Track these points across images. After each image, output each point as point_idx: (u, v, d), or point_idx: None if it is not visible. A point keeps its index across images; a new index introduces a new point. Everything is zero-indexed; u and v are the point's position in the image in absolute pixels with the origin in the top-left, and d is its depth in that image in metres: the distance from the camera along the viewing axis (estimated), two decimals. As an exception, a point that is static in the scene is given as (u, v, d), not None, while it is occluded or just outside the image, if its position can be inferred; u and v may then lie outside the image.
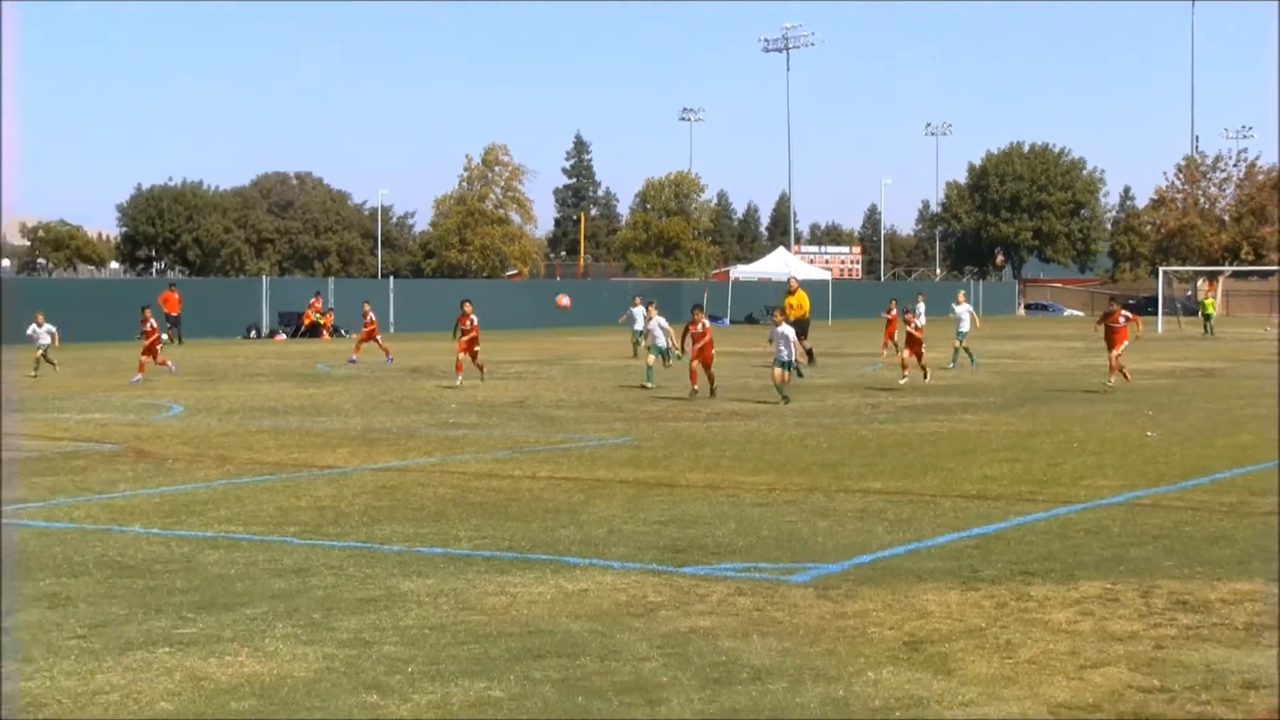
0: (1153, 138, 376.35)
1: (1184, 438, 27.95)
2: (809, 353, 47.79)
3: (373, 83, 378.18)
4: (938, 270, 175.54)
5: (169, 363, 39.57)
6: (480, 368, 41.35)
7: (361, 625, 13.04)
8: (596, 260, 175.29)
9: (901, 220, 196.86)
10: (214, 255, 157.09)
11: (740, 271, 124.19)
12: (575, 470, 23.55)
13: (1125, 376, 38.68)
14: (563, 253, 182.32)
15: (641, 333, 55.46)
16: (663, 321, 40.71)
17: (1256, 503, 19.46)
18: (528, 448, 26.70)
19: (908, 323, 40.58)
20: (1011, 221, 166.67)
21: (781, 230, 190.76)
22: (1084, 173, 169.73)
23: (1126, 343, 38.72)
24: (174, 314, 73.83)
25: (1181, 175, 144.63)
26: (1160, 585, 14.41)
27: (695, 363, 35.00)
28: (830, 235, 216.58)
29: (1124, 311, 39.17)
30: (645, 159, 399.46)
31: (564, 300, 34.20)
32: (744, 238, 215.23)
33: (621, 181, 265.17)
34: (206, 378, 37.34)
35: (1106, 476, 22.14)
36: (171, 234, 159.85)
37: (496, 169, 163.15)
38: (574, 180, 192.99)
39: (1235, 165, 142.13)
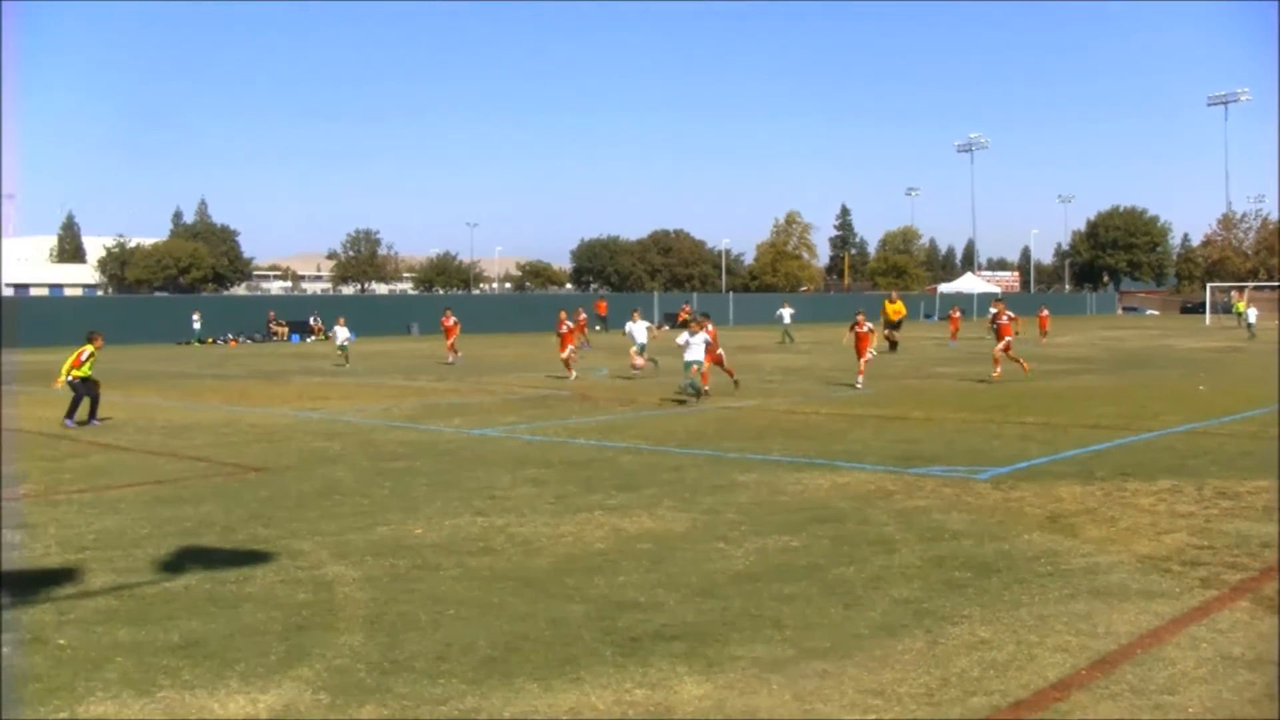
0: (1201, 200, 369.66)
1: (1222, 390, 27.03)
2: (894, 344, 46.45)
3: (725, 168, 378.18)
4: (1066, 286, 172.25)
5: (581, 350, 37.47)
6: (725, 369, 40.39)
7: (714, 501, 13.26)
8: (855, 281, 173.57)
9: (1044, 254, 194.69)
10: (625, 278, 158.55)
11: (943, 287, 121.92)
12: (841, 409, 23.49)
13: (1019, 365, 31.28)
14: (834, 276, 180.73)
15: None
16: (647, 325, 34.24)
17: (1269, 430, 18.79)
18: (813, 395, 26.71)
19: (999, 318, 32.41)
20: (1113, 255, 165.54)
21: (968, 260, 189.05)
22: (1158, 224, 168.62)
23: (1009, 338, 31.28)
24: (603, 315, 74.85)
25: (1220, 225, 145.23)
26: (1209, 482, 14.04)
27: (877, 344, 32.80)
28: (998, 264, 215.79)
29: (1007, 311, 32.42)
30: (884, 218, 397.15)
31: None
32: (945, 266, 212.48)
33: (870, 231, 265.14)
34: (623, 353, 37.64)
35: (1174, 414, 21.47)
36: (601, 266, 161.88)
37: (794, 225, 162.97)
38: (840, 232, 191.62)
39: (1255, 218, 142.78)
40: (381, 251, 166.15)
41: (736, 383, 27.85)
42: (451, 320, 42.37)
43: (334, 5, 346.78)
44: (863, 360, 29.64)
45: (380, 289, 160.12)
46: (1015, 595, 9.08)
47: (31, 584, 9.67)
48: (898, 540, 11.08)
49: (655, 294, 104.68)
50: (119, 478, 15.50)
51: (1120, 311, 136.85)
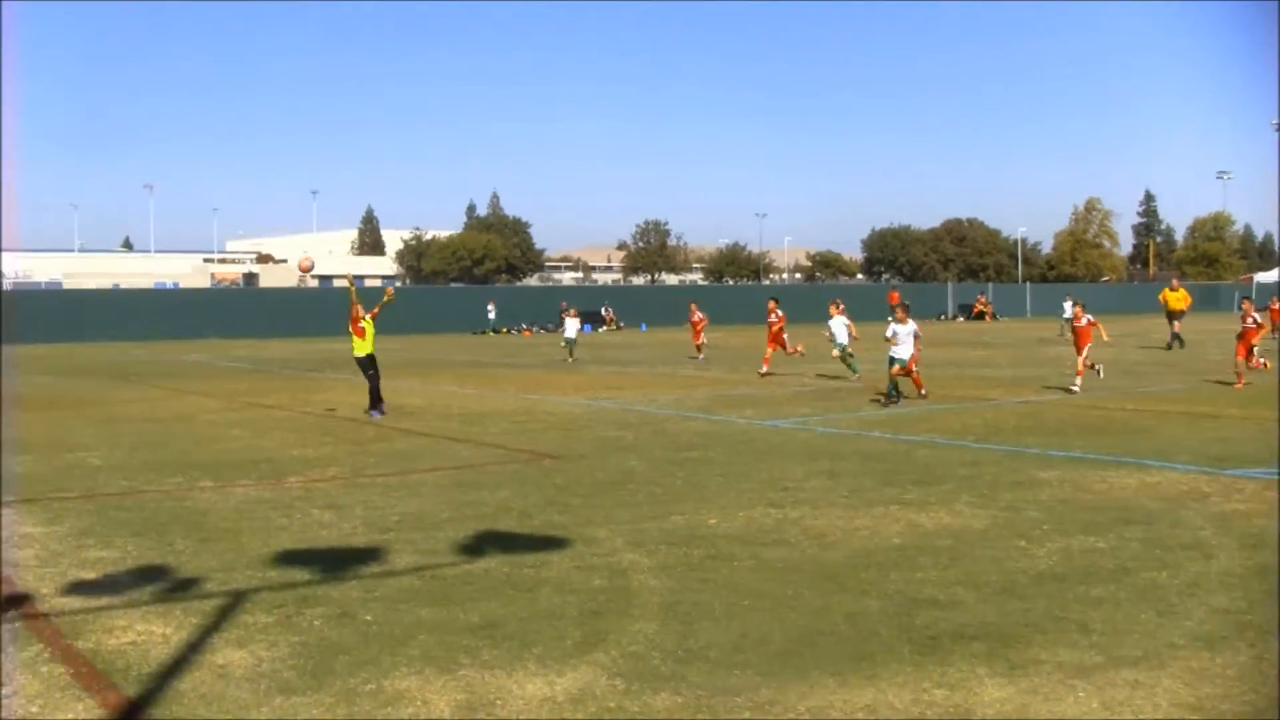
0: None
1: None
2: (1179, 337, 43.44)
3: (1021, 154, 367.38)
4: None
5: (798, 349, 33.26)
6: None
7: (1013, 498, 12.88)
8: (1162, 270, 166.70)
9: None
10: (917, 269, 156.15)
11: (1260, 276, 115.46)
12: (1147, 405, 22.54)
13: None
14: (1139, 266, 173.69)
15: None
16: (846, 322, 30.12)
17: None
18: (1118, 390, 25.65)
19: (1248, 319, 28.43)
20: None
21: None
22: None
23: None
24: (895, 304, 73.63)
25: None
26: None
27: None
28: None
29: None
30: (1193, 204, 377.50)
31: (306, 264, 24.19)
32: (1262, 253, 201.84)
33: (1177, 218, 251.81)
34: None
35: None
36: (892, 256, 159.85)
37: (1094, 212, 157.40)
38: (1144, 219, 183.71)
39: None
40: (671, 242, 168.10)
41: (923, 395, 24.01)
42: (698, 315, 40.02)
43: (636, 6, 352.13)
44: (1081, 358, 25.89)
45: (670, 279, 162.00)
46: (1349, 608, 8.49)
47: (340, 562, 10.11)
48: (1215, 545, 10.51)
49: (949, 284, 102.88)
50: (421, 462, 16.10)
51: None
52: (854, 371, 29.13)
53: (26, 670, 7.24)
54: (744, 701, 6.74)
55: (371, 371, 21.98)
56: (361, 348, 22.00)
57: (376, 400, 21.94)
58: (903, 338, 23.52)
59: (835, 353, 29.84)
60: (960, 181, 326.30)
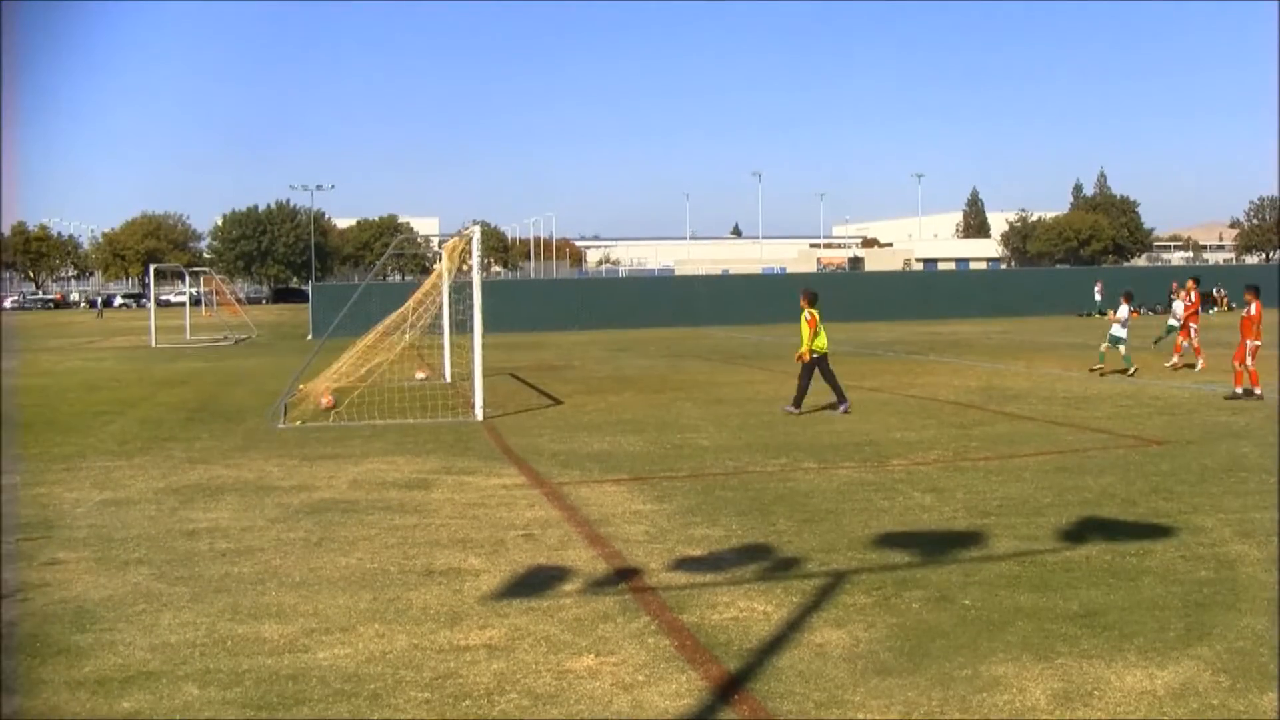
0: None
1: None
2: None
3: None
4: None
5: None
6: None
7: None
8: None
9: None
10: None
11: None
12: None
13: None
14: None
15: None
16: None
17: None
18: None
19: None
20: None
21: None
22: None
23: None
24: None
25: None
26: None
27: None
28: None
29: None
30: None
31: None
32: None
33: None
34: None
35: None
36: None
37: None
38: None
39: None
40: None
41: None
42: None
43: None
44: (1247, 358, 21.31)
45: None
46: None
47: (940, 545, 10.28)
48: None
49: None
50: (1023, 446, 15.97)
51: None
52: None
53: (634, 641, 7.75)
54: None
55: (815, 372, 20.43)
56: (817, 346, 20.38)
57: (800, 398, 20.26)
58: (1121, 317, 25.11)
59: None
60: None
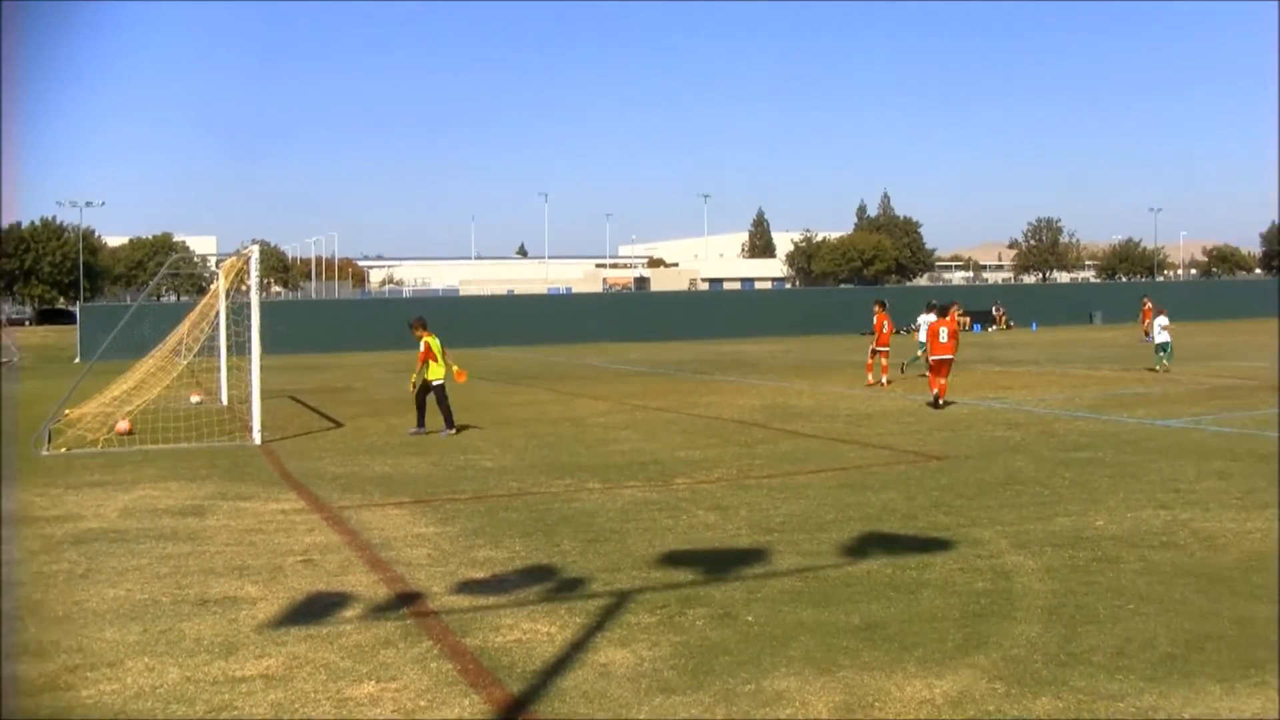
0: None
1: None
2: None
3: None
4: None
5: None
6: None
7: None
8: None
9: None
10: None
11: None
12: None
13: None
14: None
15: None
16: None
17: None
18: None
19: None
20: None
21: None
22: None
23: None
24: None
25: None
26: None
27: None
28: None
29: None
30: None
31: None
32: None
33: None
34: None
35: None
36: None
37: None
38: None
39: None
40: (1063, 239, 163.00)
41: None
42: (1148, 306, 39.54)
43: (1017, 5, 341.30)
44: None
45: (1062, 277, 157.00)
46: None
47: (725, 562, 10.34)
48: None
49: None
50: (806, 464, 16.22)
51: None
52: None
53: (416, 666, 7.61)
54: (1126, 707, 6.59)
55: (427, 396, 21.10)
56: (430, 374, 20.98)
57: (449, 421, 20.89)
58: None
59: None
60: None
